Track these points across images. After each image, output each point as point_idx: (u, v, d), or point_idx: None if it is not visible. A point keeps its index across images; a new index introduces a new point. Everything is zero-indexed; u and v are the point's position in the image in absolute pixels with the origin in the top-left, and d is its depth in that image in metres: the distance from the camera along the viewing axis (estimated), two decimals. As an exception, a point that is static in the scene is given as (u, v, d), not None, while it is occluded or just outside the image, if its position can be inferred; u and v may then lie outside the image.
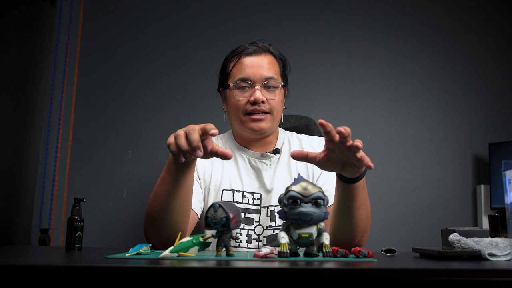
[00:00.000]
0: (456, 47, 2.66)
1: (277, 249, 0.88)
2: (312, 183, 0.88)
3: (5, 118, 1.81)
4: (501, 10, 2.71)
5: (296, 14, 2.61)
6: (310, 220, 0.86)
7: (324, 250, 0.87)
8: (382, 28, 2.64)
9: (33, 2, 2.03)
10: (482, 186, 2.48)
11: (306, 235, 0.87)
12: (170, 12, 2.54)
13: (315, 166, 1.44)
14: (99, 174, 2.36)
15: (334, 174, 1.37)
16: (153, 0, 2.54)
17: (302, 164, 1.45)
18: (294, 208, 0.85)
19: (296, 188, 0.86)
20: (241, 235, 1.37)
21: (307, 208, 0.85)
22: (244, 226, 1.38)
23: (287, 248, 0.86)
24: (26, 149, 2.03)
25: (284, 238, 0.86)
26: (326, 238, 0.88)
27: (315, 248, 0.91)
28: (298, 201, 0.85)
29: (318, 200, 0.86)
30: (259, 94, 1.37)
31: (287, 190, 0.87)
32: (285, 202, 0.86)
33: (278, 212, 0.89)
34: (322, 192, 0.88)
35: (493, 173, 2.40)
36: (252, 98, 1.37)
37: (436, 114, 2.60)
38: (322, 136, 1.71)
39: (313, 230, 0.87)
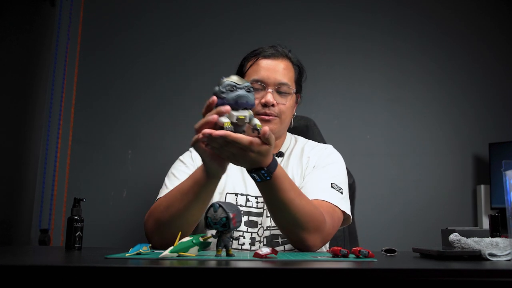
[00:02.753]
0: (456, 47, 2.66)
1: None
2: (241, 77, 1.02)
3: (5, 118, 1.81)
4: (501, 10, 2.71)
5: (296, 14, 2.61)
6: (245, 103, 0.99)
7: (258, 129, 1.00)
8: (382, 28, 2.64)
9: (33, 2, 2.03)
10: (482, 186, 2.48)
11: (243, 117, 0.99)
12: (170, 12, 2.54)
13: (308, 167, 1.44)
14: (99, 174, 2.36)
15: (318, 173, 1.39)
16: (153, 0, 2.54)
17: (298, 165, 1.45)
18: (232, 92, 0.98)
19: (230, 79, 1.00)
20: (244, 238, 1.37)
21: (243, 92, 0.99)
22: (247, 229, 1.38)
23: (230, 125, 0.98)
24: (26, 149, 2.03)
25: (225, 118, 0.99)
26: (257, 120, 1.01)
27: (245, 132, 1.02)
28: (234, 87, 0.99)
29: (249, 87, 1.00)
30: (270, 97, 1.38)
31: (221, 82, 1.00)
32: (223, 89, 0.99)
33: (217, 101, 1.00)
34: (250, 83, 1.03)
35: (493, 173, 2.40)
36: (263, 100, 1.38)
37: (436, 114, 2.60)
38: (322, 140, 1.72)
39: (247, 113, 1.00)
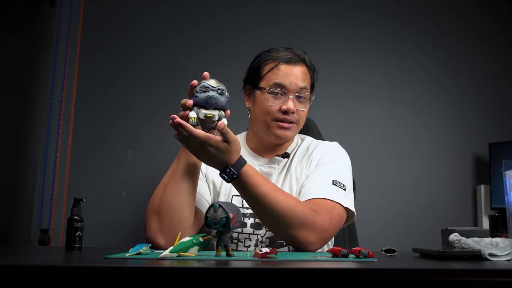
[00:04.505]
0: (456, 47, 2.66)
1: (210, 133, 1.11)
2: (218, 80, 1.13)
3: (5, 118, 1.81)
4: (501, 10, 2.72)
5: (296, 14, 2.61)
6: (214, 103, 1.10)
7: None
8: (382, 28, 2.64)
9: (33, 2, 2.03)
10: (482, 186, 2.48)
11: (210, 115, 1.11)
12: (170, 12, 2.54)
13: (311, 165, 1.44)
14: (99, 174, 2.36)
15: (318, 173, 1.39)
16: (153, 0, 2.55)
17: (302, 165, 1.45)
18: (204, 93, 1.10)
19: (207, 81, 1.12)
20: (250, 240, 1.37)
21: (214, 94, 1.10)
22: (254, 231, 1.37)
23: (196, 121, 1.10)
24: (26, 149, 2.03)
25: (193, 113, 1.11)
26: (226, 121, 1.12)
27: (215, 132, 1.13)
28: (207, 89, 1.10)
29: (222, 90, 1.11)
30: (291, 104, 1.38)
31: (200, 82, 1.12)
32: (197, 90, 1.11)
33: (192, 99, 1.12)
34: (225, 87, 1.12)
35: (493, 173, 2.40)
36: (284, 107, 1.37)
37: (436, 114, 2.60)
38: (321, 139, 1.71)
39: (216, 113, 1.11)
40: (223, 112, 1.13)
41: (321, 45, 2.58)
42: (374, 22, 2.64)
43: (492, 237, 1.04)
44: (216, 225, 0.90)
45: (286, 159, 1.46)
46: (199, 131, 1.10)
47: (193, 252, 0.91)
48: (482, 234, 1.06)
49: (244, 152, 1.48)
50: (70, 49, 2.41)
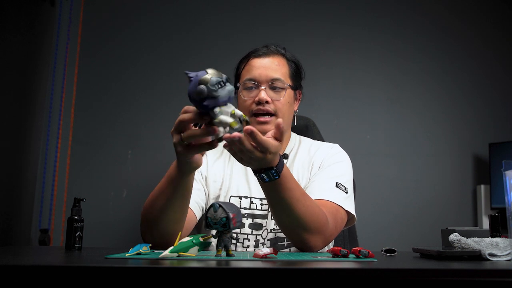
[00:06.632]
0: (456, 47, 2.66)
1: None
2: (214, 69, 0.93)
3: (5, 119, 1.81)
4: (501, 10, 2.72)
5: (296, 14, 2.61)
6: (233, 97, 0.94)
7: (247, 119, 0.94)
8: (382, 28, 2.64)
9: (33, 2, 2.03)
10: (482, 186, 2.48)
11: (234, 112, 0.93)
12: (170, 12, 2.54)
13: (314, 168, 1.43)
14: (99, 174, 2.36)
15: (321, 174, 1.38)
16: (153, 0, 2.55)
17: (304, 167, 1.44)
18: (222, 88, 0.89)
19: (207, 73, 0.90)
20: (249, 240, 1.37)
21: (231, 86, 0.92)
22: (252, 231, 1.37)
23: (236, 124, 0.92)
24: (26, 149, 2.03)
25: (226, 116, 0.92)
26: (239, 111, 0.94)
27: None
28: (223, 82, 0.90)
29: (228, 78, 0.93)
30: (263, 94, 1.37)
31: (206, 79, 0.89)
32: (213, 88, 0.89)
33: (207, 103, 0.90)
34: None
35: (493, 173, 2.40)
36: (256, 99, 1.37)
37: (436, 114, 2.60)
38: (322, 140, 1.71)
39: (232, 106, 0.94)
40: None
41: (321, 45, 2.58)
42: (374, 22, 2.64)
43: (492, 237, 1.04)
44: (216, 225, 0.90)
45: (285, 160, 1.46)
46: (272, 140, 0.97)
47: (193, 252, 0.91)
48: (482, 234, 1.06)
49: None
50: (70, 49, 2.41)
